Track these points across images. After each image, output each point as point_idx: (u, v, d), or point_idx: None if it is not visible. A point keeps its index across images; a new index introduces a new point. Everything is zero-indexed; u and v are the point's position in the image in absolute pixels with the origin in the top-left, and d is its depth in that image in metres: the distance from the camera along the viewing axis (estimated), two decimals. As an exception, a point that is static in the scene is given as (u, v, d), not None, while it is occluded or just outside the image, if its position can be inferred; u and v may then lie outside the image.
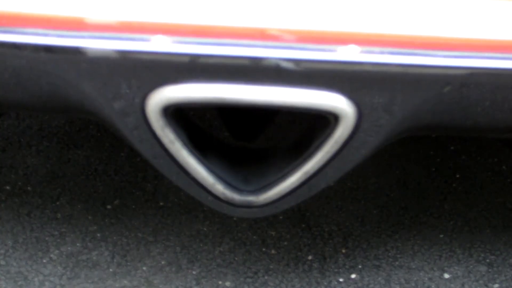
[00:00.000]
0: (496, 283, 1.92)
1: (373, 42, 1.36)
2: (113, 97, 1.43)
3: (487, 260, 1.99)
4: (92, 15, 1.37)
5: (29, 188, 2.17)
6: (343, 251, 2.00)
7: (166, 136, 1.48)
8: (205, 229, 2.05)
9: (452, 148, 2.41)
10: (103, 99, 1.43)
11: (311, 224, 2.08)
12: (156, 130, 1.47)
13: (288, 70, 1.37)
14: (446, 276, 1.94)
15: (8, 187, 2.17)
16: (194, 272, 1.92)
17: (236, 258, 1.96)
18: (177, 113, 1.47)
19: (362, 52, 1.36)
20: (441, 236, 2.06)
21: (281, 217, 2.09)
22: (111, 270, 1.91)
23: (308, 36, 1.36)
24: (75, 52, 1.38)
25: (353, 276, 1.93)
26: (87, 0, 1.37)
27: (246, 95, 1.40)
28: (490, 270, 1.96)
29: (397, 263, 1.97)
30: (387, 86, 1.40)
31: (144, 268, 1.92)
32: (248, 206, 1.60)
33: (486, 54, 1.38)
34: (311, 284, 1.90)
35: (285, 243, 2.01)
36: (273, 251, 1.99)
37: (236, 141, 1.86)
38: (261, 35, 1.36)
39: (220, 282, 1.89)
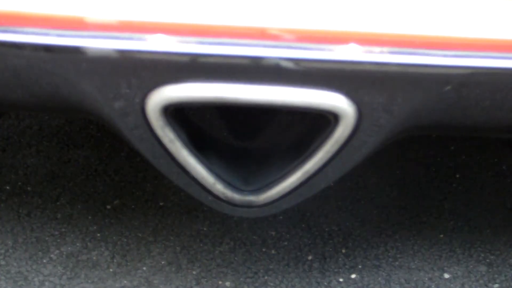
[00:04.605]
0: (496, 283, 1.92)
1: (373, 42, 1.36)
2: (113, 97, 1.43)
3: (487, 260, 1.99)
4: (92, 15, 1.37)
5: (29, 188, 2.17)
6: (343, 251, 2.00)
7: (166, 135, 1.48)
8: (205, 229, 2.05)
9: (452, 148, 2.41)
10: (103, 98, 1.43)
11: (311, 224, 2.08)
12: (156, 130, 1.47)
13: (288, 69, 1.37)
14: (446, 276, 1.94)
15: (8, 187, 2.17)
16: (194, 272, 1.92)
17: (236, 258, 1.96)
18: (177, 113, 1.47)
19: (362, 51, 1.36)
20: (441, 236, 2.06)
21: (281, 217, 2.09)
22: (111, 270, 1.91)
23: (308, 36, 1.36)
24: (75, 51, 1.38)
25: (353, 276, 1.93)
26: (87, 0, 1.38)
27: (246, 94, 1.40)
28: (490, 270, 1.96)
29: (397, 263, 1.97)
30: (387, 85, 1.40)
31: (144, 268, 1.92)
32: (248, 206, 1.60)
33: (486, 54, 1.38)
34: (311, 284, 1.90)
35: (285, 243, 2.01)
36: (273, 251, 1.99)
37: (236, 141, 1.86)
38: (261, 35, 1.36)
39: (220, 282, 1.89)
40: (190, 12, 1.37)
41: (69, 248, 1.97)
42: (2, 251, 1.96)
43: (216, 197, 1.59)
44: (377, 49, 1.36)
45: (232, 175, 1.59)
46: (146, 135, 1.48)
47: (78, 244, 1.99)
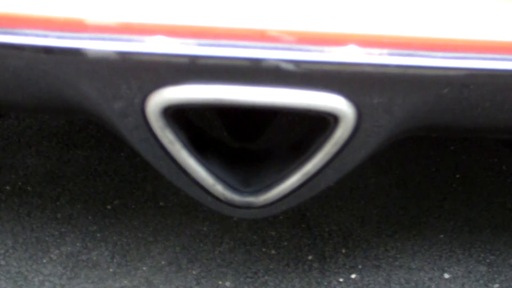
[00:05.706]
0: (496, 283, 1.92)
1: (372, 43, 1.36)
2: (113, 98, 1.43)
3: (487, 260, 1.99)
4: (92, 16, 1.37)
5: (29, 188, 2.17)
6: (343, 251, 2.00)
7: (166, 137, 1.48)
8: (205, 229, 2.05)
9: (452, 148, 2.41)
10: (103, 100, 1.43)
11: (311, 224, 2.08)
12: (156, 131, 1.47)
13: (288, 71, 1.37)
14: (446, 276, 1.94)
15: (8, 187, 2.17)
16: (194, 272, 1.92)
17: (236, 258, 1.96)
18: (177, 114, 1.47)
19: (362, 53, 1.36)
20: (441, 236, 2.06)
21: (281, 217, 2.09)
22: (111, 270, 1.92)
23: (307, 37, 1.36)
24: (75, 53, 1.38)
25: (353, 276, 1.93)
26: (86, 1, 1.38)
27: (245, 96, 1.40)
28: (490, 270, 1.96)
29: (397, 263, 1.97)
30: (386, 87, 1.39)
31: (144, 268, 1.92)
32: (248, 207, 1.60)
33: (486, 55, 1.38)
34: (311, 284, 1.90)
35: (285, 243, 2.01)
36: (273, 251, 1.99)
37: (235, 142, 1.86)
38: (261, 36, 1.36)
39: (220, 282, 1.89)
40: (190, 14, 1.37)
41: (69, 248, 1.97)
42: (2, 251, 1.96)
43: (216, 198, 1.59)
44: (376, 50, 1.36)
45: (232, 176, 1.59)
46: (146, 136, 1.48)
47: (78, 244, 1.99)
